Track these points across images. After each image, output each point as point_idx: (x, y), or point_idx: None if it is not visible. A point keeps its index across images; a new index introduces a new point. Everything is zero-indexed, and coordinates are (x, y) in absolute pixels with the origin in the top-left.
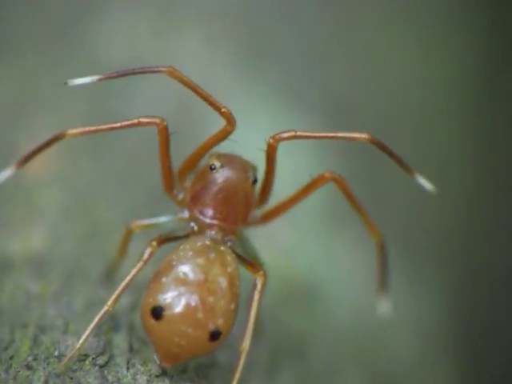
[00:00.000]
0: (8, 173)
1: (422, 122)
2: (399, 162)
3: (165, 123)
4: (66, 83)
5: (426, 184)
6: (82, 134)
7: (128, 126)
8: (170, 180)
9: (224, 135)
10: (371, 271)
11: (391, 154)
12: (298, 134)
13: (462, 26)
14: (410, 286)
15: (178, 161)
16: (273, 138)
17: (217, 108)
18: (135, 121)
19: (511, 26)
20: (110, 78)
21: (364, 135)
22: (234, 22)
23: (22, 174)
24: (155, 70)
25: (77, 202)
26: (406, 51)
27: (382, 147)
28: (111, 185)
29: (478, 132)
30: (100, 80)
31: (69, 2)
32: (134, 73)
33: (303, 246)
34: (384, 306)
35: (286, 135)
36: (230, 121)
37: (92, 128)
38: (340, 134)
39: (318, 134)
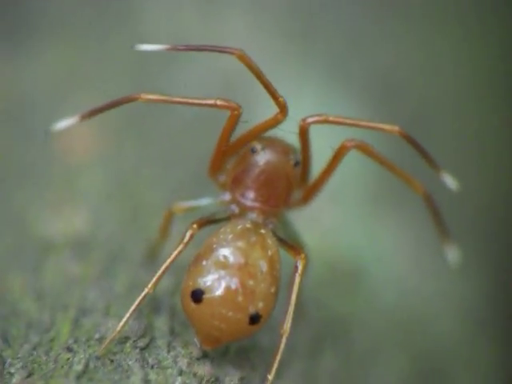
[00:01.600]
0: (71, 121)
1: (463, 110)
2: (427, 157)
3: (240, 111)
4: (132, 47)
5: (451, 182)
6: (155, 101)
7: (203, 105)
8: (218, 164)
9: (274, 123)
10: (415, 252)
11: (419, 149)
12: (330, 118)
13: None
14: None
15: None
16: (304, 120)
17: (274, 97)
18: (212, 101)
19: None
20: (178, 49)
21: (395, 127)
22: (280, 5)
23: (64, 156)
24: (226, 50)
25: (118, 184)
26: (453, 39)
27: (412, 141)
28: (152, 168)
29: None
30: (168, 50)
31: None
32: (203, 49)
33: (346, 227)
34: (452, 254)
35: (316, 119)
36: (284, 110)
37: (166, 97)
38: (371, 124)
39: (349, 121)
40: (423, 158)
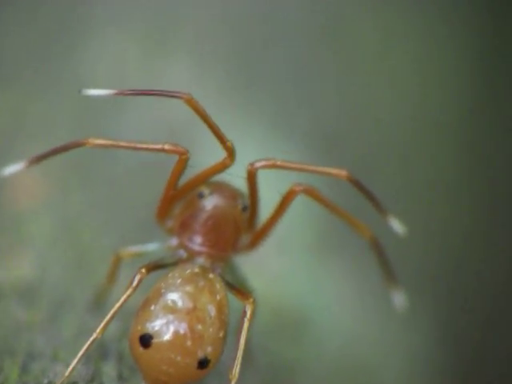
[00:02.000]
0: (17, 167)
1: (411, 154)
2: (374, 202)
3: (188, 155)
4: (79, 91)
5: (397, 227)
6: (103, 146)
7: (151, 149)
8: (166, 208)
9: (222, 168)
10: (359, 299)
11: (366, 193)
12: (278, 163)
13: (458, 49)
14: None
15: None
16: (251, 165)
17: (222, 141)
18: (160, 146)
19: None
20: (125, 94)
21: (342, 172)
22: (224, 50)
23: (9, 203)
24: (173, 95)
25: (65, 230)
26: (400, 84)
27: (359, 185)
28: (98, 213)
29: (468, 168)
30: (115, 94)
31: (59, 28)
32: (150, 93)
33: (292, 274)
34: (399, 299)
35: (264, 163)
36: (231, 155)
37: (113, 142)
38: (318, 169)
39: (296, 166)
40: (370, 203)
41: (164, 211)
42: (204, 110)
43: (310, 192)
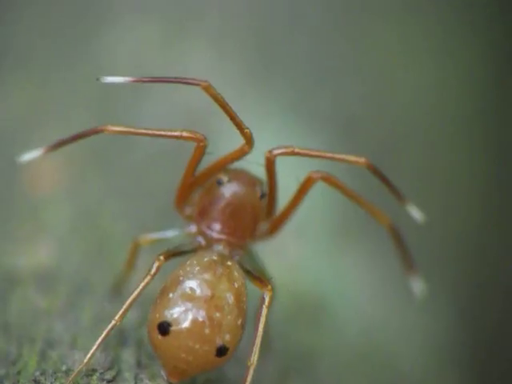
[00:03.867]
0: (36, 154)
1: (430, 141)
2: (392, 189)
3: (206, 142)
4: (97, 79)
5: (416, 214)
6: (121, 132)
7: (169, 136)
8: (184, 195)
9: (240, 155)
10: (379, 286)
11: (385, 181)
12: (296, 150)
13: (472, 43)
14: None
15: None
16: (270, 152)
17: (240, 128)
18: (178, 133)
19: None
20: (143, 81)
21: (361, 159)
22: (245, 38)
23: (29, 190)
24: (191, 82)
25: (84, 217)
26: (418, 71)
27: (378, 173)
28: (118, 200)
29: (486, 156)
30: (133, 81)
31: (77, 13)
32: (168, 81)
33: (311, 261)
34: (417, 285)
35: (283, 151)
36: (250, 142)
37: (132, 129)
38: (337, 156)
39: (316, 153)
40: (389, 190)
41: (182, 198)
42: (222, 97)
43: (328, 179)
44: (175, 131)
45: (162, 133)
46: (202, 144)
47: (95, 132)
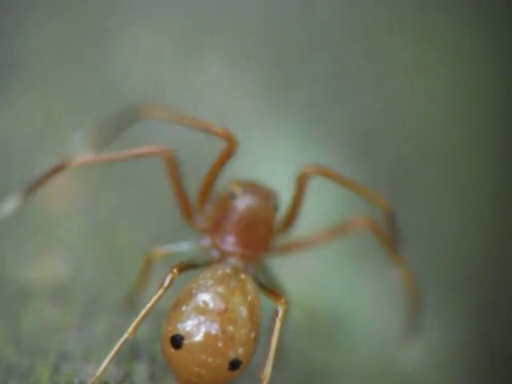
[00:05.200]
0: (12, 204)
1: (445, 159)
2: (392, 243)
3: (172, 152)
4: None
5: (396, 277)
6: (85, 164)
7: (135, 155)
8: (187, 208)
9: (228, 154)
10: (395, 305)
11: (393, 230)
12: (329, 172)
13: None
14: (434, 318)
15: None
16: (304, 169)
17: (212, 131)
18: (141, 151)
19: None
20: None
21: (381, 200)
22: (259, 51)
23: (43, 204)
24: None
25: (98, 231)
26: (438, 84)
27: (390, 218)
28: (132, 214)
29: (505, 167)
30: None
31: (91, 25)
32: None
33: (327, 276)
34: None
35: (316, 169)
36: (230, 139)
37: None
38: (361, 189)
39: (344, 180)
40: (389, 238)
41: (187, 212)
42: (167, 113)
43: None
44: (138, 149)
45: (128, 154)
46: (169, 155)
47: (58, 169)
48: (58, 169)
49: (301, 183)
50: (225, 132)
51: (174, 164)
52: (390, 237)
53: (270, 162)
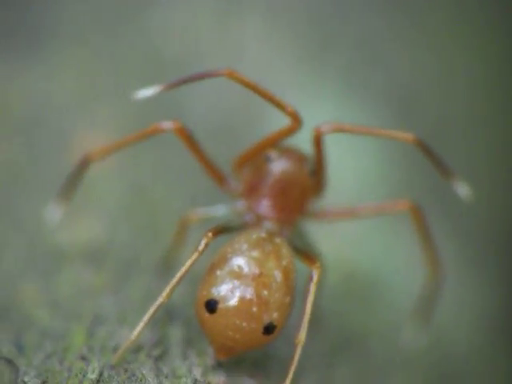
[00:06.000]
0: (153, 91)
1: (485, 119)
2: (442, 165)
3: (179, 124)
4: (130, 99)
5: (464, 191)
6: (104, 154)
7: (143, 135)
8: (217, 174)
9: (289, 133)
10: None
11: (434, 158)
12: (344, 127)
13: None
14: (470, 277)
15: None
16: (317, 129)
17: (282, 108)
18: (149, 130)
19: None
20: (171, 87)
21: (409, 136)
22: (298, 11)
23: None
24: (214, 73)
25: (134, 194)
26: (475, 48)
27: (426, 150)
28: (169, 178)
29: None
30: (162, 90)
31: None
32: (193, 79)
33: (363, 238)
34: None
35: (329, 127)
36: (297, 119)
37: (111, 146)
38: (385, 132)
39: (363, 129)
40: (436, 166)
41: (218, 178)
42: (250, 80)
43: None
44: (147, 129)
45: (137, 135)
46: (177, 127)
47: (83, 166)
48: (82, 166)
49: (317, 143)
50: (294, 112)
51: (185, 135)
52: (433, 165)
53: (307, 123)
